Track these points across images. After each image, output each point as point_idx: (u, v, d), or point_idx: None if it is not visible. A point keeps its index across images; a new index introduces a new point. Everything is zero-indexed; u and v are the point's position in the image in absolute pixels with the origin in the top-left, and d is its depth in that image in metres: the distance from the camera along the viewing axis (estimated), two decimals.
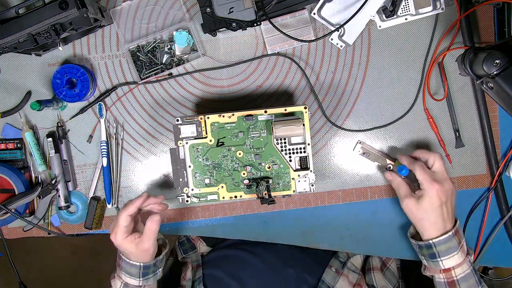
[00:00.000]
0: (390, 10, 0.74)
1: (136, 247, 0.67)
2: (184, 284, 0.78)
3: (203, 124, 0.69)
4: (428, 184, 0.68)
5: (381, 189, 0.80)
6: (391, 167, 0.78)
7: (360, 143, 0.78)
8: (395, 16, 0.74)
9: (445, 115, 0.78)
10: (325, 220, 0.81)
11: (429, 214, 0.68)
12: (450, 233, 0.68)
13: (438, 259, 0.68)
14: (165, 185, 0.80)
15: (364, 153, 0.78)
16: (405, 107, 0.78)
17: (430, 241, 0.68)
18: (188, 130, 0.69)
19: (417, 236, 0.73)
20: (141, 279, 0.70)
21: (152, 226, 0.67)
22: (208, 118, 0.68)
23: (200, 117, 0.68)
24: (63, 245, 1.81)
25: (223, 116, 0.68)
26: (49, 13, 0.64)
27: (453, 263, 0.68)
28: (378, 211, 0.80)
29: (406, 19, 0.74)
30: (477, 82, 0.63)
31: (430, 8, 0.74)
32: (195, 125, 0.69)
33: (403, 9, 0.74)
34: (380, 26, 0.75)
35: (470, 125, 0.78)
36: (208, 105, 0.79)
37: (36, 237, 0.83)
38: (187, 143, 0.69)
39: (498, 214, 0.80)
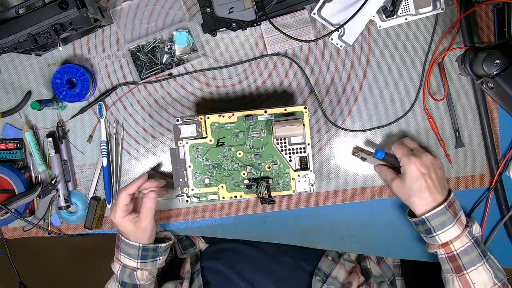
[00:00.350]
0: (390, 10, 0.74)
1: (134, 226, 0.68)
2: (183, 276, 0.79)
3: (203, 124, 0.68)
4: (406, 159, 0.69)
5: (381, 189, 0.80)
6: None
7: (356, 147, 0.78)
8: (395, 16, 0.74)
9: (445, 115, 0.78)
10: (325, 220, 0.81)
11: (414, 189, 0.68)
12: (442, 206, 0.67)
13: (434, 234, 0.68)
14: (165, 185, 0.80)
15: (361, 157, 0.78)
16: (405, 107, 0.78)
17: (423, 217, 0.68)
18: (188, 130, 0.69)
19: (412, 213, 0.73)
20: (139, 261, 0.70)
21: (148, 203, 0.68)
22: (208, 118, 0.68)
23: (200, 117, 0.68)
24: (63, 245, 1.81)
25: (223, 116, 0.68)
26: (49, 13, 0.64)
27: (450, 236, 0.67)
28: (378, 211, 0.80)
29: (406, 19, 0.74)
30: (477, 82, 0.63)
31: (430, 8, 0.74)
32: (195, 125, 0.69)
33: (403, 9, 0.74)
34: (380, 26, 0.75)
35: (470, 125, 0.78)
36: (208, 105, 0.79)
37: (36, 237, 0.83)
38: (187, 143, 0.69)
39: (498, 214, 0.80)
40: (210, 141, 0.69)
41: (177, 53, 0.74)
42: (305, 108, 0.68)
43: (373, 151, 0.77)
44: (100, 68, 0.78)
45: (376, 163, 0.78)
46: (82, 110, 0.78)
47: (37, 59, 0.77)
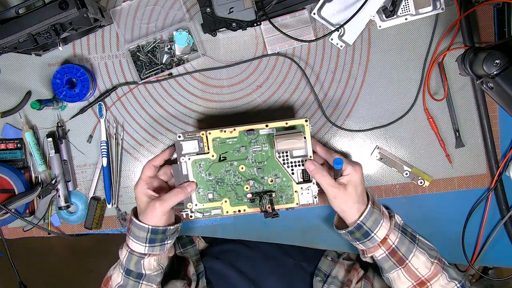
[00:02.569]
0: (390, 10, 0.74)
1: (148, 203, 0.67)
2: (189, 277, 0.79)
3: (204, 140, 0.69)
4: (351, 167, 0.67)
5: (380, 189, 0.80)
6: (408, 173, 0.78)
7: (378, 148, 0.78)
8: (395, 16, 0.74)
9: (445, 115, 0.78)
10: (325, 220, 0.81)
11: (360, 195, 0.68)
12: (369, 205, 0.68)
13: (372, 234, 0.68)
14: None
15: (381, 159, 0.78)
16: (405, 107, 0.78)
17: (358, 221, 0.67)
18: (190, 146, 0.69)
19: (341, 225, 0.73)
20: (147, 245, 0.68)
21: (180, 194, 0.67)
22: (209, 133, 0.68)
23: (201, 132, 0.68)
24: (63, 245, 1.81)
25: (225, 131, 0.68)
26: (49, 13, 0.64)
27: (385, 231, 0.68)
28: None
29: (406, 19, 0.74)
30: (477, 82, 0.63)
31: (430, 8, 0.74)
32: (196, 141, 0.69)
33: (403, 9, 0.74)
34: (380, 26, 0.75)
35: (470, 125, 0.78)
36: (208, 105, 0.79)
37: (36, 237, 0.83)
38: (189, 159, 0.69)
39: (498, 214, 0.80)
40: (212, 156, 0.69)
41: (177, 53, 0.74)
42: (306, 121, 0.68)
43: (395, 158, 0.77)
44: (100, 68, 0.78)
45: (394, 166, 0.78)
46: (82, 110, 0.78)
47: (37, 59, 0.77)
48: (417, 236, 0.73)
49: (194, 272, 0.79)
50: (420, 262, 0.69)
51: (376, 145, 0.79)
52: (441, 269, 0.70)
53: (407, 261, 0.69)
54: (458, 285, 0.70)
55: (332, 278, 0.77)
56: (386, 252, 0.69)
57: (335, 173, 0.68)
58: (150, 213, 0.67)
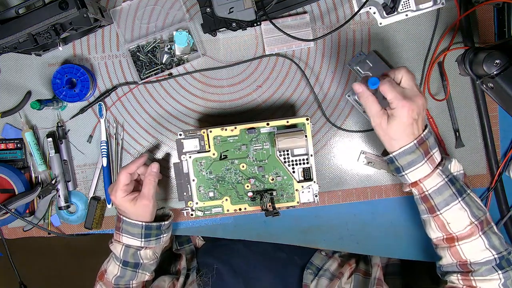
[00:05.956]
0: (390, 6, 0.73)
1: (135, 205, 0.69)
2: (180, 271, 0.80)
3: (205, 138, 0.69)
4: (398, 102, 0.59)
5: (381, 189, 0.80)
6: None
7: (363, 153, 0.78)
8: (395, 13, 0.74)
9: (445, 115, 0.78)
10: (325, 220, 0.81)
11: (401, 133, 0.61)
12: (411, 144, 0.61)
13: (403, 173, 0.64)
14: (166, 186, 0.80)
15: (369, 163, 0.78)
16: None
17: (391, 155, 0.63)
18: (191, 144, 0.69)
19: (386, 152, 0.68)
20: (143, 240, 0.70)
21: (150, 178, 0.69)
22: (210, 132, 0.68)
23: (202, 131, 0.68)
24: (63, 245, 1.81)
25: (226, 130, 0.68)
26: (49, 13, 0.64)
27: (419, 175, 0.63)
28: (378, 211, 0.80)
29: (406, 15, 0.74)
30: (477, 82, 0.63)
31: (431, 3, 0.74)
32: (197, 139, 0.69)
33: (403, 5, 0.74)
34: (380, 23, 0.75)
35: (470, 125, 0.78)
36: (208, 105, 0.79)
37: (36, 237, 0.83)
38: (190, 157, 0.69)
39: (498, 214, 0.80)
40: (213, 154, 0.69)
41: (177, 53, 0.74)
42: (307, 119, 0.68)
43: (382, 159, 0.77)
44: (100, 68, 0.78)
45: (383, 168, 0.77)
46: (82, 110, 0.78)
47: (37, 59, 0.77)
48: (468, 191, 0.64)
49: (185, 267, 0.81)
50: (455, 218, 0.63)
51: (361, 150, 0.78)
52: (479, 232, 0.62)
53: (438, 213, 0.63)
54: (496, 256, 0.61)
55: (323, 270, 0.77)
56: (418, 195, 0.65)
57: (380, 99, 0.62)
58: (142, 212, 0.70)
